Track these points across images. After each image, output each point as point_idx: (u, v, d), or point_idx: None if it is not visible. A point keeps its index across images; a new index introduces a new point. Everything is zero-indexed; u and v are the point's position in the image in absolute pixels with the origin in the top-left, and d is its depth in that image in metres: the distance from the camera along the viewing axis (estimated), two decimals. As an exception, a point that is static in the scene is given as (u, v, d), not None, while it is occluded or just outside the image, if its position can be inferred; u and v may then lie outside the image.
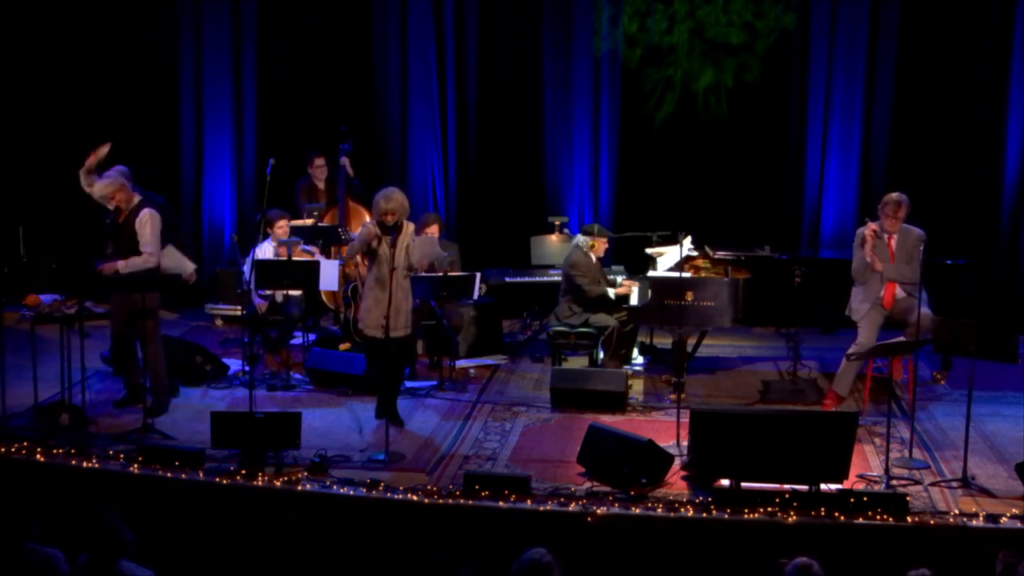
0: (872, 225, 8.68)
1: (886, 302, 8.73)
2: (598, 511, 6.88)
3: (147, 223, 8.39)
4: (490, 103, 12.12)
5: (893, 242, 8.72)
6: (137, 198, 8.48)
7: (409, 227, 8.39)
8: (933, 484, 7.38)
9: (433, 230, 9.98)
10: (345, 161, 10.88)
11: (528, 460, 7.85)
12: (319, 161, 11.14)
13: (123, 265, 8.37)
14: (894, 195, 8.71)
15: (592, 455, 7.58)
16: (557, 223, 11.33)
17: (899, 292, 8.73)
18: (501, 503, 6.98)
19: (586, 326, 9.55)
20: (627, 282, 10.03)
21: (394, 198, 8.22)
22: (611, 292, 9.83)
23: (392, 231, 8.24)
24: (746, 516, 6.81)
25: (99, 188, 8.48)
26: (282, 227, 9.86)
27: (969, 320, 7.86)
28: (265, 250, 9.68)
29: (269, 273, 9.25)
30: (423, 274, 9.52)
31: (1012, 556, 5.48)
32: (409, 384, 9.51)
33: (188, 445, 7.76)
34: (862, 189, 11.64)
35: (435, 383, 9.46)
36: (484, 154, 12.19)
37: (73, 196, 9.08)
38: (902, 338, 8.37)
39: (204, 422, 7.93)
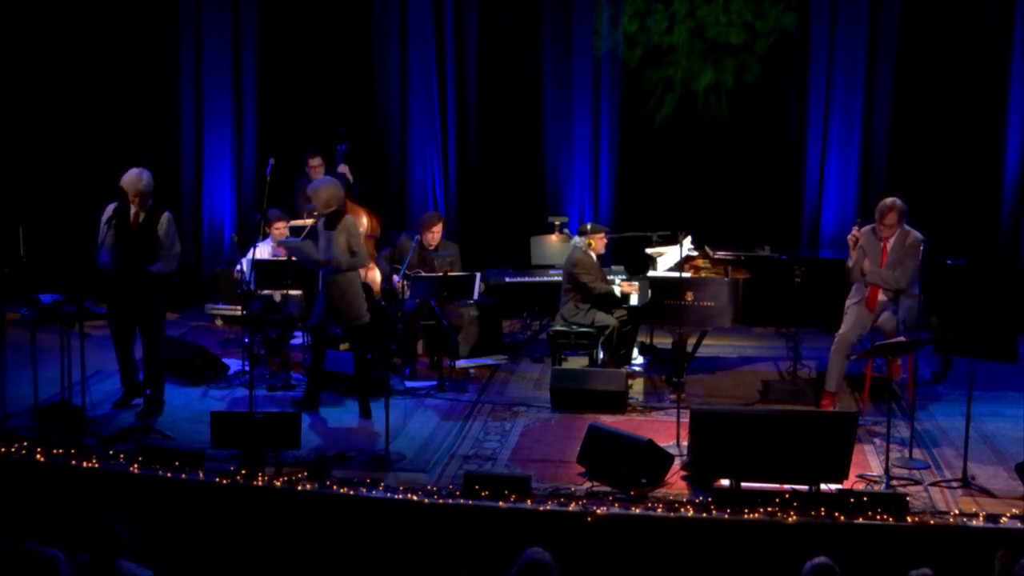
0: (854, 231, 8.71)
1: (868, 304, 8.74)
2: (598, 511, 6.88)
3: (171, 224, 8.41)
4: (490, 103, 12.12)
5: (889, 245, 8.71)
6: (150, 201, 8.46)
7: (346, 219, 8.56)
8: (933, 484, 7.38)
9: (438, 230, 9.97)
10: (344, 168, 10.87)
11: (528, 460, 7.85)
12: (314, 162, 11.12)
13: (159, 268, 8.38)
14: (886, 200, 8.71)
15: (592, 455, 7.58)
16: (557, 223, 11.32)
17: (882, 296, 8.73)
18: (501, 503, 6.98)
19: (591, 325, 9.55)
20: (627, 284, 10.03)
21: (316, 189, 8.62)
22: (617, 288, 9.86)
23: (328, 223, 8.52)
24: (746, 516, 6.81)
25: (139, 181, 8.33)
26: (279, 228, 9.86)
27: (969, 320, 7.87)
28: (262, 250, 9.67)
29: (269, 273, 9.25)
30: (424, 274, 9.55)
31: (1009, 556, 5.49)
32: (409, 384, 9.53)
33: (188, 445, 7.77)
34: (862, 189, 11.64)
35: (435, 383, 9.46)
36: (484, 154, 12.19)
37: (74, 196, 9.12)
38: (902, 338, 8.37)
39: (204, 422, 7.94)
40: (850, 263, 8.76)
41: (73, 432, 7.84)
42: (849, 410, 8.47)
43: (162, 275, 8.42)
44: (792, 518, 6.77)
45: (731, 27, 11.63)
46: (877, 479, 7.43)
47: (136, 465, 7.45)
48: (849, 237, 8.74)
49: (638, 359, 10.26)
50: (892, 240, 8.67)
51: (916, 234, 8.67)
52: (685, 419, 7.66)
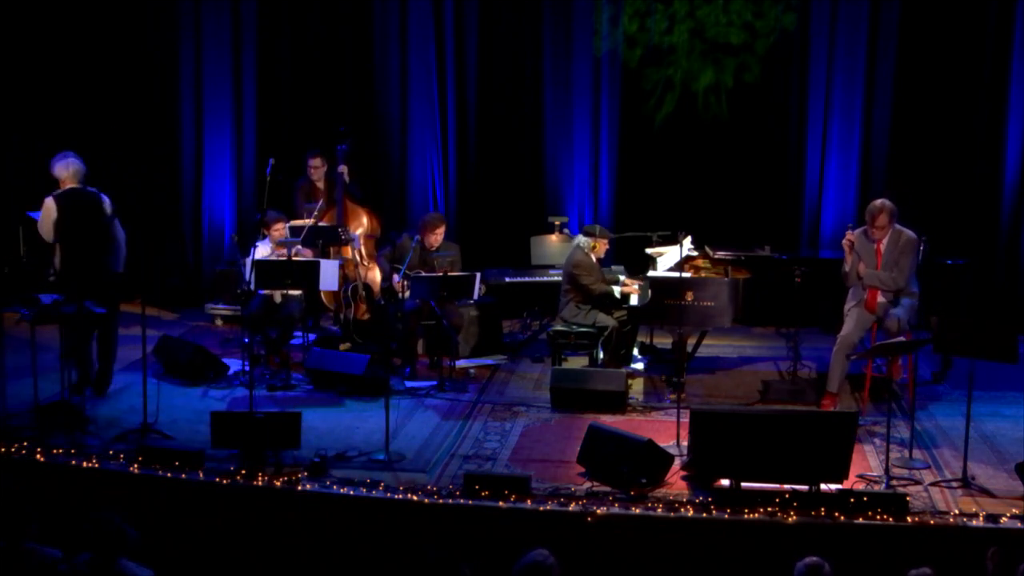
0: (849, 235, 8.71)
1: (868, 306, 8.74)
2: (598, 511, 6.89)
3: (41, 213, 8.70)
4: (490, 103, 12.11)
5: (882, 246, 8.71)
6: (68, 187, 8.67)
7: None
8: (933, 484, 7.38)
9: (440, 231, 9.95)
10: (343, 169, 10.87)
11: (528, 460, 7.85)
12: (314, 163, 11.11)
13: None
14: (876, 202, 8.73)
15: (592, 455, 7.58)
16: (557, 223, 11.32)
17: (881, 297, 8.73)
18: (501, 503, 6.98)
19: (592, 326, 9.55)
20: (629, 282, 10.03)
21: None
22: (616, 290, 9.86)
23: None
24: (746, 516, 6.81)
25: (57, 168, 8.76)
26: (278, 229, 9.87)
27: (969, 320, 7.87)
28: (262, 251, 9.66)
29: (269, 273, 9.25)
30: (424, 274, 9.54)
31: (1001, 554, 5.50)
32: (409, 384, 9.53)
33: (188, 445, 7.77)
34: (862, 189, 11.63)
35: (435, 383, 9.46)
36: (484, 154, 12.18)
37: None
38: (902, 338, 8.37)
39: (204, 422, 7.94)
40: (846, 267, 8.77)
41: (73, 432, 7.84)
42: (849, 410, 8.47)
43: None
44: (792, 518, 6.77)
45: (731, 27, 11.63)
46: (877, 479, 7.43)
47: (136, 465, 7.45)
48: (844, 242, 8.76)
49: (638, 359, 10.26)
50: (885, 241, 8.68)
51: (909, 233, 8.69)
52: (685, 419, 7.66)
